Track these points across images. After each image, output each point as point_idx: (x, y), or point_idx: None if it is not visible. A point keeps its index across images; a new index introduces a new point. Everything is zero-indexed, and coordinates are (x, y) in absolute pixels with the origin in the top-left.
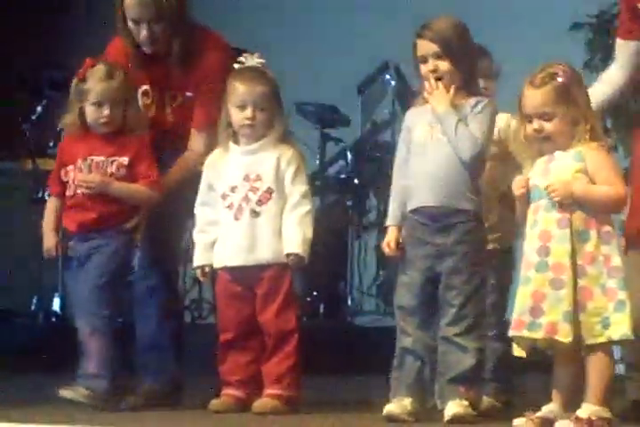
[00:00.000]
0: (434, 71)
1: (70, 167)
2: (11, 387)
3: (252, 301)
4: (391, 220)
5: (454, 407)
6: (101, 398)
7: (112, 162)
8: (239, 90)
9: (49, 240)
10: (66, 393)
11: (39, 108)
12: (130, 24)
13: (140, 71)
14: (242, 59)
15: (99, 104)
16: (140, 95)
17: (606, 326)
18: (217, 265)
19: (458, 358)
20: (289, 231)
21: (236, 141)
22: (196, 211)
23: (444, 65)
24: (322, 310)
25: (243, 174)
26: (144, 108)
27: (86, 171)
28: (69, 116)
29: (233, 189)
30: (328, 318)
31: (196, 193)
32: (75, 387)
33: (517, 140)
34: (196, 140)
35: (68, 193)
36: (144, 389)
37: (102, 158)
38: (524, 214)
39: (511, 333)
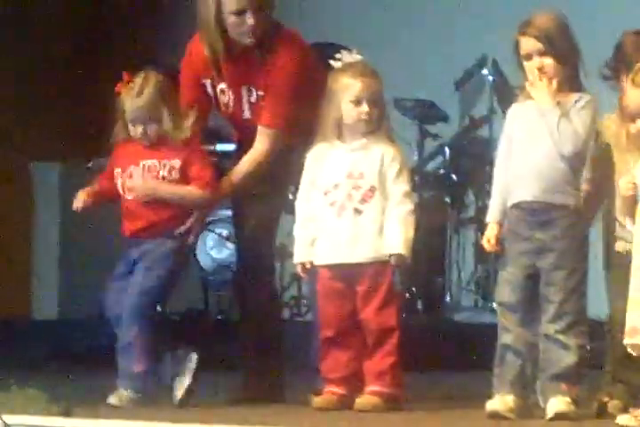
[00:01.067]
0: (540, 69)
1: (118, 170)
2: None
3: (352, 298)
4: (492, 216)
5: (557, 405)
6: (150, 398)
7: (164, 165)
8: (355, 85)
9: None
10: (112, 400)
11: None
12: (231, 17)
13: (218, 69)
14: (339, 55)
15: (132, 122)
16: (218, 94)
17: None
18: (318, 262)
19: (559, 355)
20: (391, 231)
21: (341, 137)
22: (297, 206)
23: (548, 62)
24: (420, 306)
25: (346, 172)
26: (223, 106)
27: (138, 175)
28: (116, 128)
29: (336, 186)
30: (427, 314)
31: (273, 189)
32: (120, 392)
33: (619, 141)
34: (263, 138)
35: (121, 200)
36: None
37: (154, 162)
38: (633, 215)
39: (626, 340)
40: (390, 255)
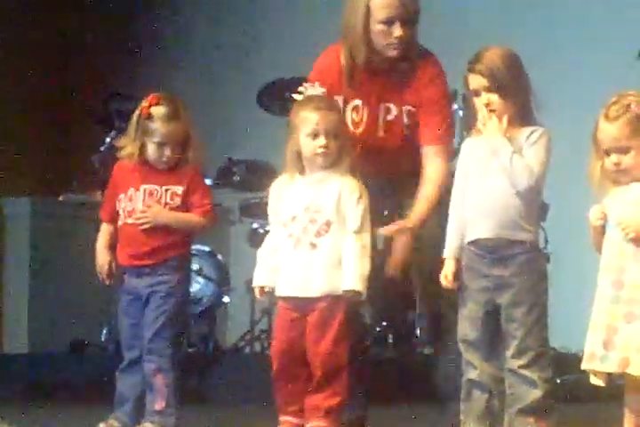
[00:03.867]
0: (487, 105)
1: (122, 196)
2: (80, 418)
3: (305, 330)
4: (449, 252)
5: None
6: None
7: (166, 191)
8: (312, 118)
9: (102, 258)
10: None
11: (108, 139)
12: (379, 26)
13: (353, 84)
14: (301, 89)
15: (162, 144)
16: (349, 111)
17: None
18: (277, 293)
19: (525, 389)
20: (346, 266)
21: (303, 171)
22: (270, 231)
23: (494, 98)
24: (391, 339)
25: (304, 205)
26: (352, 125)
27: (140, 200)
28: (130, 148)
29: (293, 219)
30: (397, 348)
31: None
32: (143, 425)
33: (593, 173)
34: (437, 157)
35: (119, 223)
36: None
37: (156, 187)
38: (600, 245)
39: (584, 365)
40: (345, 291)
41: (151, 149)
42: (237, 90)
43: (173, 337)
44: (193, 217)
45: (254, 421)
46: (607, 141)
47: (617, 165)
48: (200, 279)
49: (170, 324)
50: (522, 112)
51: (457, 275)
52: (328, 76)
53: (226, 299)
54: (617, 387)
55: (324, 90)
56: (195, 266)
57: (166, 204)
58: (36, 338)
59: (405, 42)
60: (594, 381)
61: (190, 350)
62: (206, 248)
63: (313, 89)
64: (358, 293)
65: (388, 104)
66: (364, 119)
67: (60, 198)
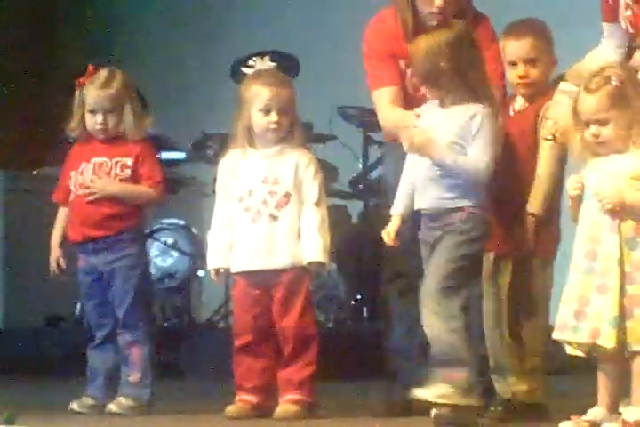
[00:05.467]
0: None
1: (73, 172)
2: (56, 391)
3: (268, 305)
4: (395, 209)
5: None
6: (145, 406)
7: (116, 163)
8: (264, 94)
9: (53, 253)
10: (112, 408)
11: None
12: None
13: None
14: (252, 63)
15: (92, 112)
16: (409, 74)
17: None
18: (234, 270)
19: None
20: (308, 238)
21: (253, 145)
22: (214, 213)
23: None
24: (365, 313)
25: (261, 178)
26: (412, 89)
27: (90, 172)
28: (73, 122)
29: (250, 193)
30: (371, 322)
31: None
32: (118, 400)
33: (573, 145)
34: None
35: (70, 199)
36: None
37: (106, 159)
38: (577, 215)
39: (555, 335)
40: (309, 263)
41: (87, 118)
42: (211, 63)
43: (146, 309)
44: (142, 188)
45: (228, 395)
46: (587, 113)
47: (596, 136)
48: (174, 253)
49: (141, 296)
50: (461, 90)
51: (398, 233)
52: (391, 39)
53: (200, 273)
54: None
55: (274, 64)
56: (169, 240)
57: (116, 175)
58: (11, 313)
59: (447, 11)
60: (571, 351)
61: (165, 324)
62: (181, 222)
63: (263, 63)
64: (322, 264)
65: None
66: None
67: (35, 173)
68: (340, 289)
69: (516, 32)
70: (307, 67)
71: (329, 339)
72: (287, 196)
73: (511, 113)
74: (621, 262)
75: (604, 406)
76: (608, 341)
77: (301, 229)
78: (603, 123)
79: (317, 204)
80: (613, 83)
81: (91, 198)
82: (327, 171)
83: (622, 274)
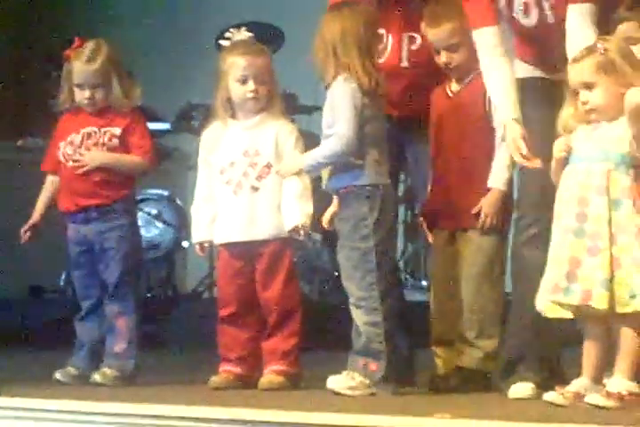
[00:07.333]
0: None
1: (62, 143)
2: (39, 361)
3: (252, 277)
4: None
5: None
6: (129, 377)
7: (104, 132)
8: (239, 63)
9: (30, 222)
10: (96, 378)
11: None
12: None
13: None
14: (229, 34)
15: (79, 86)
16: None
17: (633, 296)
18: (217, 241)
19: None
20: (289, 205)
21: (235, 116)
22: (196, 186)
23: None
24: None
25: (242, 150)
26: (379, 52)
27: (78, 142)
28: (62, 95)
29: (232, 164)
30: None
31: None
32: (102, 370)
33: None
34: None
35: (60, 169)
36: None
37: (95, 129)
38: (559, 177)
39: (548, 297)
40: (290, 230)
41: (75, 92)
42: (197, 34)
43: (135, 281)
44: (132, 157)
45: (213, 365)
46: (574, 80)
47: (584, 103)
48: (159, 224)
49: (131, 267)
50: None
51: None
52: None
53: (185, 244)
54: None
55: (250, 34)
56: (153, 211)
57: (104, 144)
58: None
59: None
60: (551, 314)
61: (149, 294)
62: (165, 193)
63: (239, 34)
64: (304, 227)
65: (412, 33)
66: (389, 48)
67: (19, 143)
68: (325, 260)
69: (433, 19)
70: (293, 38)
71: (313, 310)
72: (268, 166)
73: (450, 95)
74: (610, 224)
75: (588, 377)
76: (600, 302)
77: (282, 199)
78: (589, 86)
79: (299, 173)
80: (598, 49)
81: (80, 171)
82: (313, 142)
83: (611, 235)
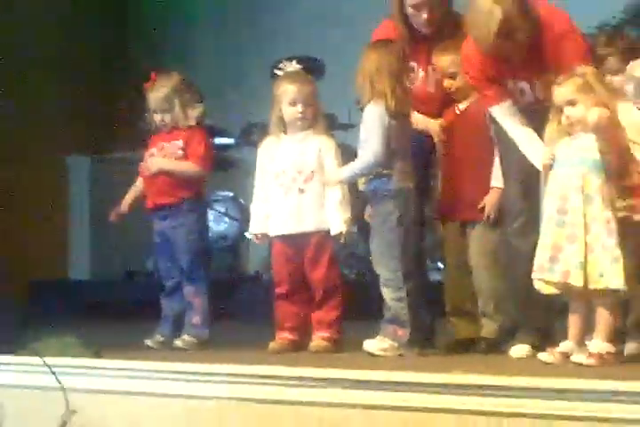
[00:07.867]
0: None
1: (146, 154)
2: (133, 331)
3: (301, 262)
4: None
5: None
6: (204, 343)
7: (173, 145)
8: (290, 90)
9: (118, 208)
10: (178, 343)
11: None
12: (409, 10)
13: (408, 49)
14: (282, 65)
15: (154, 111)
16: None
17: (602, 274)
18: (272, 233)
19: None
20: (332, 212)
21: (285, 132)
22: (255, 188)
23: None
24: None
25: (291, 160)
26: (410, 81)
27: (155, 154)
28: (147, 118)
29: (283, 172)
30: None
31: None
32: (182, 337)
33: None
34: None
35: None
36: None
37: (166, 143)
38: (547, 179)
39: (535, 275)
40: (335, 235)
41: (153, 116)
42: (257, 60)
43: (205, 266)
44: (188, 164)
45: (271, 333)
46: (559, 99)
47: (569, 118)
48: (226, 219)
49: (199, 256)
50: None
51: None
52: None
53: (248, 235)
54: None
55: (299, 66)
56: (222, 208)
57: (172, 154)
58: (96, 267)
59: (434, 21)
60: (546, 291)
61: (219, 277)
62: (230, 194)
63: (291, 66)
64: (349, 233)
65: (433, 66)
66: (419, 77)
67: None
68: (361, 248)
69: (437, 52)
70: (333, 70)
71: (351, 288)
72: (312, 173)
73: (458, 112)
74: (585, 216)
75: (573, 340)
76: (577, 280)
77: (326, 206)
78: (572, 103)
79: (339, 182)
80: (576, 72)
81: (147, 173)
82: (347, 152)
83: (586, 225)
